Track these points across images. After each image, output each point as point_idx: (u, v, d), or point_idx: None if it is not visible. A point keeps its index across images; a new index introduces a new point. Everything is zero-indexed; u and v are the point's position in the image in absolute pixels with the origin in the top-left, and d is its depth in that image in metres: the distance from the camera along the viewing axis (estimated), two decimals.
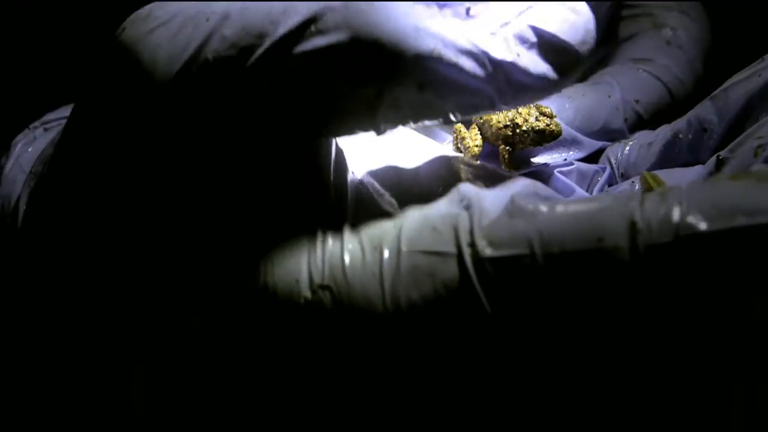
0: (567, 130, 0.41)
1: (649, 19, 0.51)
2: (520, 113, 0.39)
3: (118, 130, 0.28)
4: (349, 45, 0.26)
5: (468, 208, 0.27)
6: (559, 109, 0.41)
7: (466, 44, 0.26)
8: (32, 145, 0.39)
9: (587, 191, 0.39)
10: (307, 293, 0.28)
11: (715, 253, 0.23)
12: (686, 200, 0.24)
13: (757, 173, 0.24)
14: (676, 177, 0.37)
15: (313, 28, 0.26)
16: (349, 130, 0.28)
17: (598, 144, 0.42)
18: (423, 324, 0.26)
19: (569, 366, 0.25)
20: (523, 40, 0.27)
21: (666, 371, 0.24)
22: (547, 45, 0.28)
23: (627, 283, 0.24)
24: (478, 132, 0.39)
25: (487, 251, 0.25)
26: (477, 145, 0.39)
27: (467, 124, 0.41)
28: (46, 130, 0.40)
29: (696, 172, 0.36)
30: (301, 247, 0.28)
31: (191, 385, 0.30)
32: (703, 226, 0.23)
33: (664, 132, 0.41)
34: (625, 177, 0.41)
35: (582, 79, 0.48)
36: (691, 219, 0.23)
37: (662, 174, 0.38)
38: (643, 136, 0.42)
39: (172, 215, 0.29)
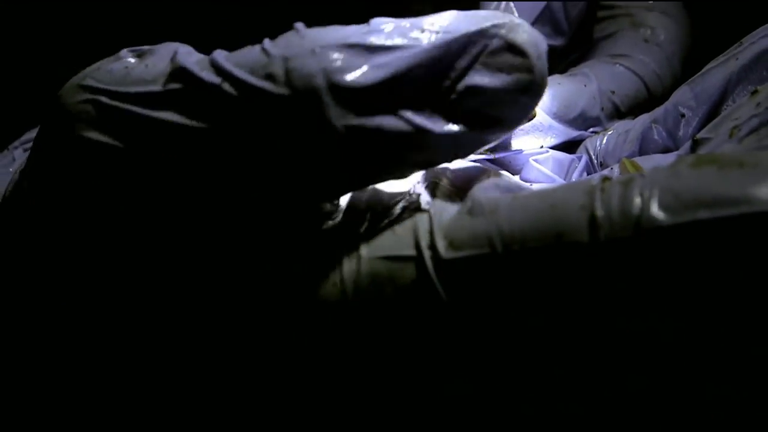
0: (543, 117, 0.40)
1: (628, 18, 0.51)
2: None
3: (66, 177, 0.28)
4: None
5: (428, 207, 0.27)
6: None
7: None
8: (12, 166, 0.38)
9: (564, 180, 0.38)
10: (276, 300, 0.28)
11: (676, 246, 0.22)
12: (647, 190, 0.23)
13: (719, 159, 0.23)
14: (655, 163, 0.36)
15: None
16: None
17: (574, 132, 0.41)
18: (387, 329, 0.26)
19: (534, 361, 0.25)
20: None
21: (630, 362, 0.24)
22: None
23: (589, 277, 0.23)
24: None
25: (448, 253, 0.25)
26: None
27: None
28: (25, 150, 0.39)
29: (674, 157, 0.36)
30: (265, 264, 0.28)
31: (193, 384, 0.30)
32: (664, 218, 0.22)
33: (642, 120, 0.40)
34: (603, 166, 0.41)
35: (560, 73, 0.47)
36: (652, 211, 0.22)
37: (641, 161, 0.37)
38: (621, 126, 0.42)
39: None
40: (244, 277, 0.28)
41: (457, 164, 0.31)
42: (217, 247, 0.28)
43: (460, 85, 0.26)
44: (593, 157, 0.41)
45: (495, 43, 0.26)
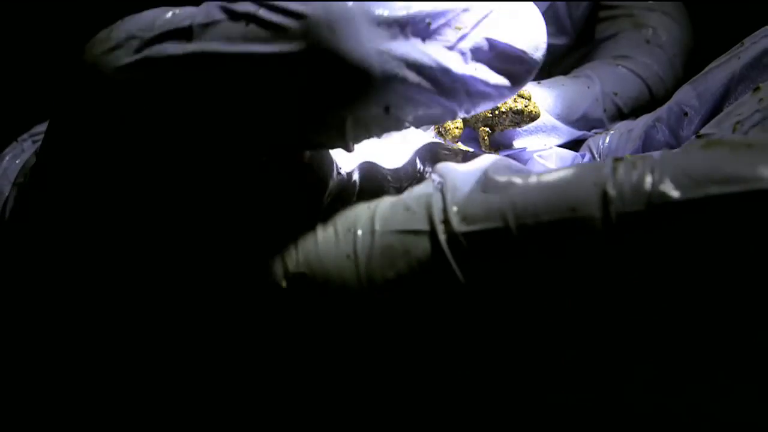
0: (547, 118, 0.41)
1: (630, 19, 0.51)
2: None
3: (88, 144, 0.28)
4: (312, 65, 0.26)
5: (441, 186, 0.27)
6: (539, 98, 0.41)
7: (428, 62, 0.27)
8: (20, 158, 0.38)
9: None
10: (282, 283, 0.28)
11: (687, 221, 0.23)
12: (659, 168, 0.23)
13: (729, 142, 0.24)
14: None
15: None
16: (321, 146, 0.29)
17: (578, 132, 0.42)
18: (400, 301, 0.26)
19: (545, 336, 0.25)
20: (480, 52, 0.29)
21: (640, 338, 0.24)
22: (502, 55, 0.29)
23: (601, 252, 0.23)
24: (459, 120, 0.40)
25: (461, 227, 0.25)
26: (458, 127, 0.39)
27: None
28: (34, 142, 0.40)
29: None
30: (277, 241, 0.29)
31: (189, 380, 0.30)
32: (675, 194, 0.23)
33: (645, 119, 0.41)
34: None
35: (562, 74, 0.48)
36: (663, 187, 0.23)
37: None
38: (623, 125, 0.42)
39: (154, 217, 0.29)
40: (249, 249, 0.28)
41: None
42: (221, 219, 0.28)
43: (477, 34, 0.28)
44: (596, 155, 0.42)
45: None
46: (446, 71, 0.28)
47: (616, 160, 0.25)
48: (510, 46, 0.29)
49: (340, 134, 0.27)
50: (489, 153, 0.39)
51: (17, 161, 0.38)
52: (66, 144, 0.29)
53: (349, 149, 0.28)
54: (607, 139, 0.42)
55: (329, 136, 0.28)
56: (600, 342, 0.25)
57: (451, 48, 0.28)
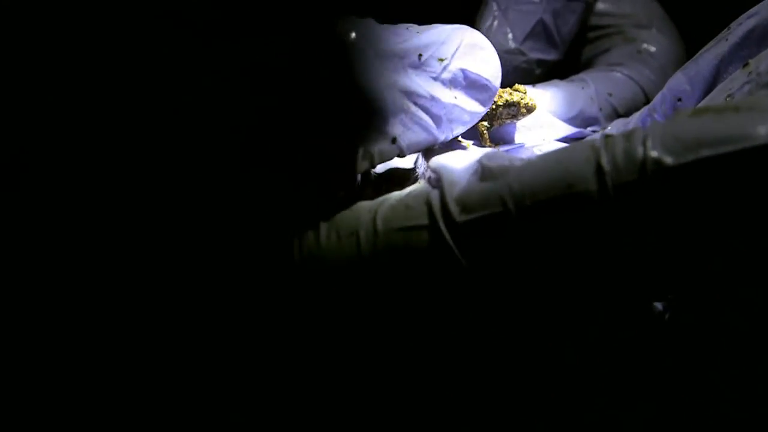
0: (544, 113, 0.41)
1: (621, 35, 0.53)
2: None
3: None
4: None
5: (439, 182, 0.27)
6: (535, 96, 0.42)
7: (422, 92, 0.30)
8: None
9: None
10: (287, 280, 0.28)
11: (682, 185, 0.23)
12: (650, 137, 0.24)
13: (714, 107, 0.24)
14: None
15: None
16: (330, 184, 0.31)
17: (575, 129, 0.42)
18: (405, 295, 0.26)
19: (551, 313, 0.25)
20: (457, 83, 0.32)
21: (645, 310, 0.24)
22: (473, 84, 0.33)
23: (600, 223, 0.24)
24: None
25: (462, 217, 0.26)
26: None
27: None
28: None
29: None
30: (282, 247, 0.29)
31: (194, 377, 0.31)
32: (668, 160, 0.23)
33: (640, 111, 0.41)
34: None
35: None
36: (655, 154, 0.23)
37: None
38: (621, 122, 0.43)
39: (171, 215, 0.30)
40: (258, 242, 0.29)
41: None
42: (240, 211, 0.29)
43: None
44: None
45: None
46: (436, 100, 0.30)
47: (608, 135, 0.25)
48: (479, 75, 0.32)
49: (351, 169, 0.30)
50: (489, 148, 0.40)
51: None
52: None
53: (354, 184, 0.31)
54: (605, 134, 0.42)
55: (341, 173, 0.30)
56: (599, 336, 0.25)
57: (435, 78, 0.30)
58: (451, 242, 0.25)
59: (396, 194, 0.29)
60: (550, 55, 0.49)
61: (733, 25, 0.38)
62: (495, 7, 0.47)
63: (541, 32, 0.48)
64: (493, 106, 0.39)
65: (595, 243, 0.24)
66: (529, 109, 0.39)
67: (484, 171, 0.26)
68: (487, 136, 0.39)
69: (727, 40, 0.37)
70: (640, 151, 0.23)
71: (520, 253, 0.25)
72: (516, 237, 0.25)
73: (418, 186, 0.29)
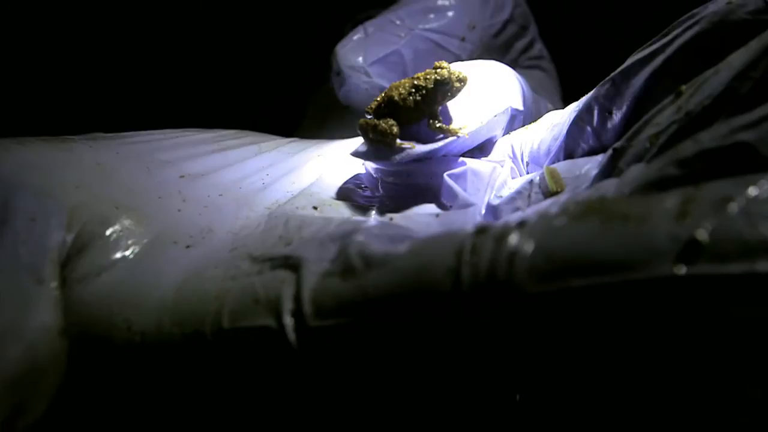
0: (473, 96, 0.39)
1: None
2: (418, 77, 0.38)
3: None
4: None
5: (296, 267, 0.25)
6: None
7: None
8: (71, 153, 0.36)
9: (486, 190, 0.35)
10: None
11: (546, 314, 0.20)
12: (522, 250, 0.21)
13: (605, 209, 0.21)
14: (578, 168, 0.34)
15: None
16: None
17: (500, 109, 0.38)
18: (252, 395, 0.25)
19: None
20: None
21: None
22: None
23: (454, 340, 0.22)
24: (389, 118, 0.37)
25: (315, 321, 0.23)
26: (393, 125, 0.36)
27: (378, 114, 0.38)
28: (90, 147, 0.37)
29: (596, 162, 0.33)
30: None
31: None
32: (531, 287, 0.20)
33: (569, 116, 0.37)
34: (530, 166, 0.38)
35: None
36: (519, 278, 0.20)
37: (565, 165, 0.35)
38: (549, 118, 0.39)
39: None
40: None
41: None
42: None
43: None
44: (520, 158, 0.38)
45: None
46: None
47: (479, 233, 0.22)
48: None
49: None
50: (407, 146, 0.36)
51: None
52: None
53: None
54: (533, 139, 0.38)
55: None
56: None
57: None
58: (297, 349, 0.23)
59: (246, 276, 0.26)
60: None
61: (668, 31, 0.34)
62: (367, 25, 0.47)
63: (391, 62, 0.47)
64: (426, 91, 0.37)
65: (444, 355, 0.22)
66: (462, 80, 0.37)
67: (345, 265, 0.24)
68: (439, 126, 0.36)
69: (664, 52, 0.33)
70: (503, 271, 0.21)
71: (366, 361, 0.23)
72: (364, 347, 0.23)
73: (275, 270, 0.26)
